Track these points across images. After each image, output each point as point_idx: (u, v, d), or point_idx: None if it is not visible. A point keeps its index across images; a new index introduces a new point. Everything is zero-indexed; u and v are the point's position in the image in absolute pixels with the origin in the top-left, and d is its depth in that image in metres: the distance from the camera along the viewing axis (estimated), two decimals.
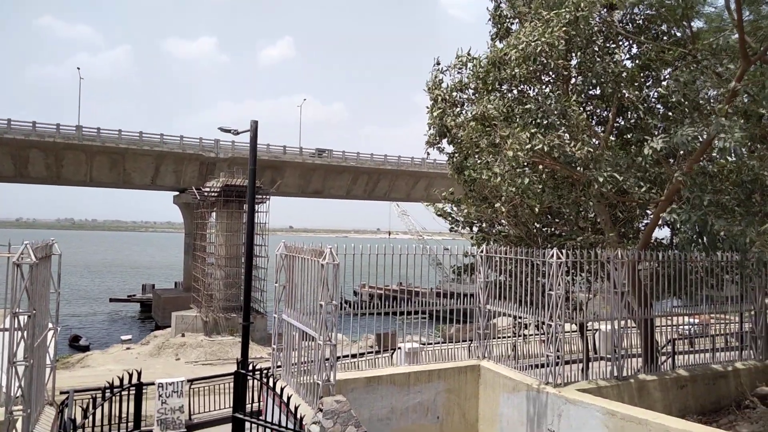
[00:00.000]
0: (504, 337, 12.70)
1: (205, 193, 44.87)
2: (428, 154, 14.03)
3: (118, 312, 64.45)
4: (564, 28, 10.07)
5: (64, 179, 50.34)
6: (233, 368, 10.94)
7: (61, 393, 9.59)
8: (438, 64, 13.10)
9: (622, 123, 12.42)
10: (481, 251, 11.57)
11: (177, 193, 56.50)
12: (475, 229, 14.77)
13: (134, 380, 9.45)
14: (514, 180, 10.71)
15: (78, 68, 57.93)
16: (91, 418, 8.38)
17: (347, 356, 13.23)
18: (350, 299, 42.40)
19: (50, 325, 9.24)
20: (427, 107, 13.21)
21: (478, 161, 12.10)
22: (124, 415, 9.57)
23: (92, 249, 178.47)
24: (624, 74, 10.81)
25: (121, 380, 9.16)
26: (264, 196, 42.87)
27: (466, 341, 12.10)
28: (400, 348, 16.74)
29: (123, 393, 9.27)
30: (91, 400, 8.65)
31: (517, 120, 10.58)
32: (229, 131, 17.27)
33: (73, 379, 28.58)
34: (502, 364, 10.86)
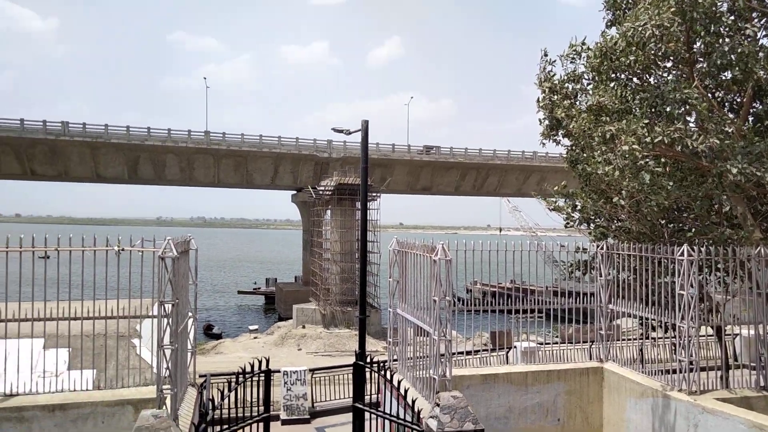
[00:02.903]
0: (628, 339, 12.01)
1: (320, 192, 46.86)
2: (543, 144, 13.62)
3: (245, 303, 69.24)
4: (673, 9, 9.26)
5: (196, 181, 54.95)
6: (351, 360, 11.38)
7: (200, 376, 10.54)
8: (546, 55, 12.66)
9: (760, 108, 11.20)
10: (601, 248, 11.03)
11: (294, 192, 59.49)
12: (592, 225, 14.08)
13: (263, 367, 10.14)
14: (635, 175, 10.07)
15: (204, 78, 63.08)
16: (226, 400, 9.13)
17: (461, 353, 13.23)
18: (462, 296, 42.19)
19: (189, 314, 10.19)
20: (538, 99, 12.83)
21: (593, 154, 11.54)
22: (254, 399, 10.31)
23: (220, 245, 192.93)
24: (760, 54, 9.71)
25: (252, 367, 9.88)
26: (375, 194, 43.90)
27: (586, 342, 11.62)
28: (515, 347, 16.41)
29: (253, 379, 9.99)
30: (226, 383, 9.43)
31: (635, 111, 9.94)
32: (341, 131, 17.91)
33: (209, 364, 31.17)
34: (627, 368, 10.30)
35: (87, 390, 8.83)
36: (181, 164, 53.09)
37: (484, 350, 16.79)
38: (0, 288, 8.90)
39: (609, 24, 12.56)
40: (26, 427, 8.21)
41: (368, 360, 10.09)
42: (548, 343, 17.32)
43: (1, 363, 8.74)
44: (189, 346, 9.88)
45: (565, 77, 12.38)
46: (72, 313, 9.11)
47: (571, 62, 12.29)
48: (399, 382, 9.03)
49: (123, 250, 8.74)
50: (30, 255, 8.79)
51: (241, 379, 9.51)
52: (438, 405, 8.31)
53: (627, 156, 9.51)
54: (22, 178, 51.48)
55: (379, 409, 9.72)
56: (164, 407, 7.76)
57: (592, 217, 13.88)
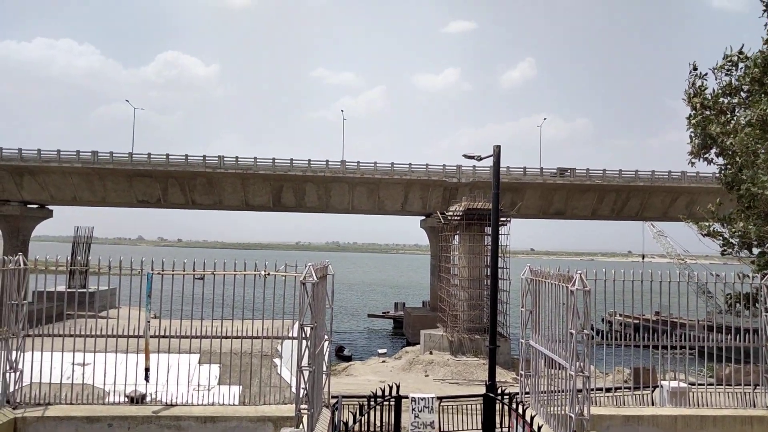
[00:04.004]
0: None
1: (449, 217, 46.92)
2: (692, 164, 12.55)
3: (374, 327, 70.84)
4: None
5: (332, 207, 57.87)
6: (478, 389, 11.15)
7: (332, 397, 10.96)
8: (695, 69, 11.70)
9: None
10: (767, 279, 9.81)
11: (423, 217, 60.24)
12: (756, 251, 12.58)
13: (394, 393, 10.29)
14: None
15: (342, 110, 66.67)
16: (358, 423, 9.40)
17: (599, 389, 12.39)
18: (599, 327, 39.55)
19: (326, 337, 10.69)
20: (688, 117, 11.87)
21: (757, 173, 10.37)
22: (383, 423, 10.48)
23: (352, 269, 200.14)
24: None
25: (383, 392, 10.08)
26: (505, 219, 43.00)
27: (747, 386, 10.31)
28: (661, 386, 15.00)
29: (384, 403, 10.18)
30: (358, 406, 9.70)
31: None
32: (472, 157, 17.90)
33: (339, 385, 32.22)
34: None
35: (234, 405, 9.57)
36: (319, 192, 56.27)
37: (625, 388, 15.57)
38: (164, 306, 10.04)
39: None
40: None
41: (499, 391, 9.82)
42: (701, 385, 15.61)
43: (164, 375, 9.79)
44: (324, 368, 10.34)
45: (720, 91, 11.37)
46: (223, 332, 9.99)
47: (726, 74, 11.28)
48: (532, 418, 8.66)
49: (269, 274, 9.45)
50: (187, 277, 9.85)
51: (372, 403, 9.73)
52: None
53: None
54: (184, 207, 58.00)
55: None
56: (301, 426, 8.17)
57: (755, 243, 12.40)
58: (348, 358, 48.33)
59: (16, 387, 9.41)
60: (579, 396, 8.24)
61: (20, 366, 9.46)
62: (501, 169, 15.94)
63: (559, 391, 9.11)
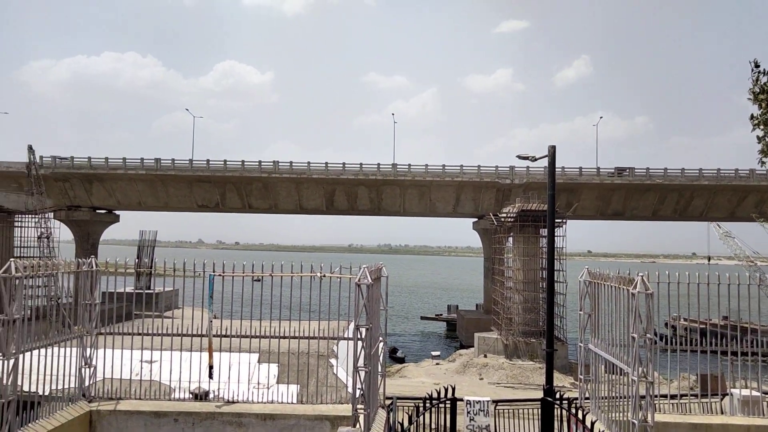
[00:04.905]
0: None
1: (502, 219, 46.27)
2: (763, 164, 11.91)
3: (427, 329, 70.65)
4: None
5: (383, 210, 58.15)
6: (534, 394, 10.96)
7: (386, 398, 11.03)
8: (757, 66, 11.10)
9: None
10: None
11: (475, 219, 59.60)
12: None
13: (449, 395, 10.26)
14: None
15: (393, 114, 66.91)
16: (414, 425, 9.42)
17: (663, 396, 11.93)
18: (663, 332, 37.99)
19: (380, 338, 10.77)
20: (752, 116, 11.28)
21: None
22: (438, 425, 10.45)
23: (404, 271, 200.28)
24: None
25: (439, 393, 10.07)
26: (561, 220, 42.02)
27: None
28: (731, 394, 14.28)
29: (439, 405, 10.17)
30: (413, 408, 9.73)
31: None
32: (526, 158, 17.61)
33: (393, 387, 32.32)
34: None
35: (292, 403, 9.80)
36: (371, 195, 56.70)
37: (691, 395, 14.93)
38: (223, 306, 10.40)
39: None
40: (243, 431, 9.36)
41: (557, 396, 9.62)
42: None
43: (225, 373, 10.13)
44: (379, 369, 10.43)
45: None
46: (280, 333, 10.24)
47: None
48: (592, 424, 8.45)
49: (324, 276, 9.63)
50: (245, 279, 10.16)
51: (428, 405, 9.74)
52: None
53: None
54: (241, 211, 59.76)
55: None
56: (358, 425, 8.27)
57: None
58: (401, 360, 48.40)
59: (91, 381, 9.97)
60: (642, 402, 7.98)
61: (94, 362, 10.01)
62: (556, 169, 15.72)
63: (621, 397, 8.84)
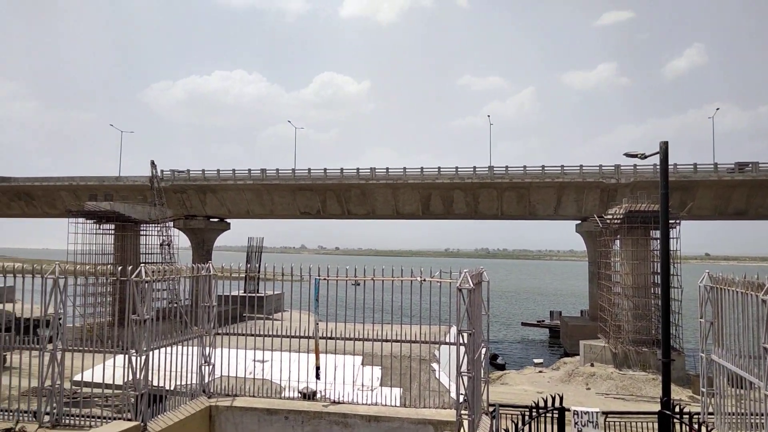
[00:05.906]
0: None
1: (608, 221, 43.92)
2: None
3: (528, 336, 68.59)
4: None
5: (480, 214, 57.34)
6: (647, 406, 10.29)
7: (489, 405, 10.85)
8: None
9: None
10: None
11: (578, 221, 57.09)
12: None
13: (557, 404, 9.93)
14: None
15: (488, 115, 65.89)
16: None
17: None
18: None
19: (482, 344, 10.64)
20: None
21: None
22: None
23: (503, 276, 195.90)
24: None
25: (546, 402, 9.77)
26: (674, 221, 39.15)
27: None
28: None
29: (546, 414, 9.85)
30: (519, 416, 9.50)
31: None
32: (635, 156, 16.64)
33: (494, 394, 31.60)
34: None
35: (395, 406, 9.92)
36: (467, 199, 56.13)
37: None
38: (325, 309, 10.76)
39: None
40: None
41: (676, 410, 8.98)
42: None
43: (331, 374, 10.47)
44: (482, 375, 10.30)
45: None
46: (383, 336, 10.43)
47: None
48: None
49: (425, 280, 9.69)
50: (347, 283, 10.45)
51: (534, 413, 9.48)
52: None
53: None
54: (341, 218, 61.63)
55: None
56: (462, 431, 8.22)
57: None
58: (502, 367, 47.35)
59: (210, 379, 10.71)
60: None
61: (212, 360, 10.75)
62: (668, 166, 14.57)
63: (750, 414, 8.09)
